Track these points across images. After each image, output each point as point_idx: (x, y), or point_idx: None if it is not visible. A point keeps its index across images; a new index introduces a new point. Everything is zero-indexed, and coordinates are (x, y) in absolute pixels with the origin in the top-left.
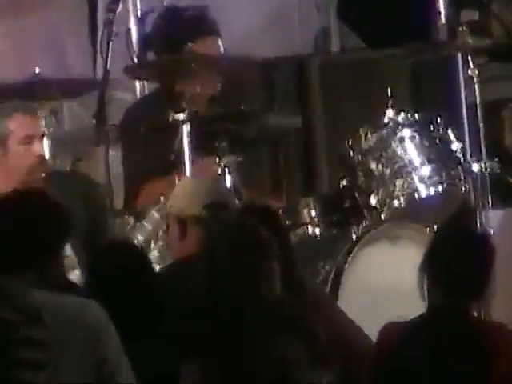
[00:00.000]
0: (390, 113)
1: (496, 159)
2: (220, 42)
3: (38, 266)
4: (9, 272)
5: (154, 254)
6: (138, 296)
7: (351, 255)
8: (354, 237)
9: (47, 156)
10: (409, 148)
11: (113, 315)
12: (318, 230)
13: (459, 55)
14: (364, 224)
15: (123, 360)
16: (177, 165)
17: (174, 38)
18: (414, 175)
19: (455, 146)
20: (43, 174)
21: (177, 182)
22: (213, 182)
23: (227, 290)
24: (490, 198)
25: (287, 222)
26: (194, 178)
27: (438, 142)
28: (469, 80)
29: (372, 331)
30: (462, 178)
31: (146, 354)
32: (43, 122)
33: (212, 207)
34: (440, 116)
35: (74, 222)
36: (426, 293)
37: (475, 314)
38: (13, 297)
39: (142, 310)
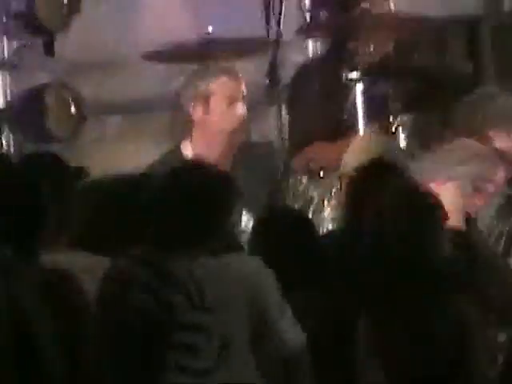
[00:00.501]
0: None
1: None
2: (391, 1)
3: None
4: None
5: (326, 213)
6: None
7: None
8: None
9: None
10: None
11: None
12: None
13: None
14: None
15: (285, 307)
16: (349, 124)
17: None
18: None
19: None
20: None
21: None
22: (387, 141)
23: (403, 250)
24: None
25: None
26: (369, 137)
27: None
28: None
29: None
30: None
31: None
32: (244, 85)
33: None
34: None
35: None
36: None
37: None
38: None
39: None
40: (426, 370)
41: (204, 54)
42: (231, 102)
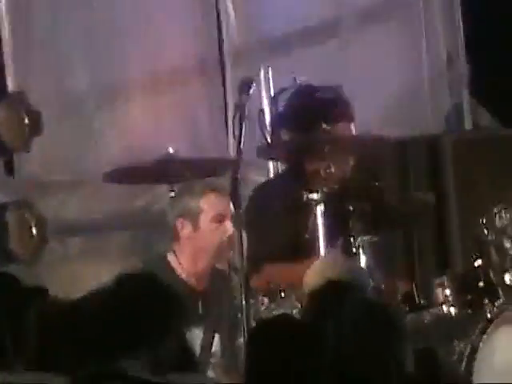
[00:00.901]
0: None
1: None
2: (352, 127)
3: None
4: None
5: None
6: None
7: (486, 334)
8: (488, 316)
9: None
10: None
11: None
12: (452, 310)
13: None
14: (499, 303)
15: None
16: (311, 244)
17: (308, 118)
18: None
19: None
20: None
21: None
22: (348, 262)
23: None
24: None
25: (421, 302)
26: (329, 258)
27: None
28: None
29: None
30: None
31: None
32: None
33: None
34: None
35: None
36: None
37: None
38: None
39: None
40: None
41: (164, 174)
42: (220, 218)
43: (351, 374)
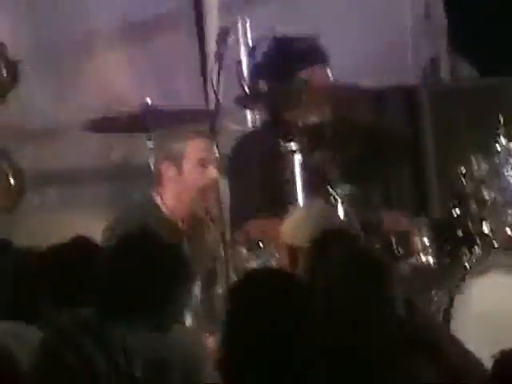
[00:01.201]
0: (502, 141)
1: None
2: (328, 71)
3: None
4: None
5: None
6: None
7: (464, 283)
8: (467, 265)
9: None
10: None
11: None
12: (430, 259)
13: None
14: (476, 252)
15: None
16: (289, 194)
17: (285, 67)
18: None
19: None
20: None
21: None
22: (325, 211)
23: (351, 315)
24: None
25: (399, 250)
26: (307, 208)
27: None
28: None
29: (485, 359)
30: None
31: None
32: (216, 149)
33: (323, 236)
34: None
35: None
36: None
37: None
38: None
39: None
40: None
41: (141, 124)
42: (204, 163)
43: (343, 327)
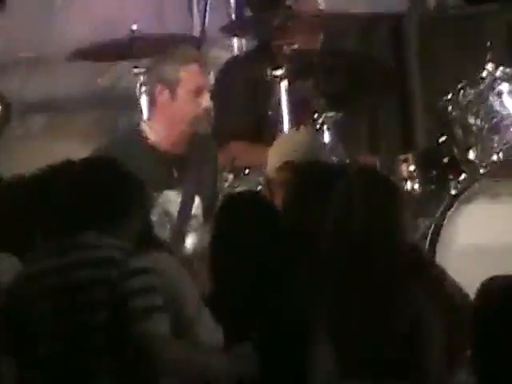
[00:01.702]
0: (488, 67)
1: None
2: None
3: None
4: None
5: None
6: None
7: (450, 211)
8: (452, 192)
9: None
10: (507, 102)
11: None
12: (416, 186)
13: None
14: (462, 179)
15: (203, 314)
16: (275, 120)
17: None
18: (511, 130)
19: None
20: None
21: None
22: (309, 139)
23: (369, 233)
24: None
25: None
26: (290, 135)
27: None
28: None
29: (470, 286)
30: None
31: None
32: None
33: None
34: None
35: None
36: None
37: None
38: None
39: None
40: (380, 354)
41: (128, 51)
42: (198, 91)
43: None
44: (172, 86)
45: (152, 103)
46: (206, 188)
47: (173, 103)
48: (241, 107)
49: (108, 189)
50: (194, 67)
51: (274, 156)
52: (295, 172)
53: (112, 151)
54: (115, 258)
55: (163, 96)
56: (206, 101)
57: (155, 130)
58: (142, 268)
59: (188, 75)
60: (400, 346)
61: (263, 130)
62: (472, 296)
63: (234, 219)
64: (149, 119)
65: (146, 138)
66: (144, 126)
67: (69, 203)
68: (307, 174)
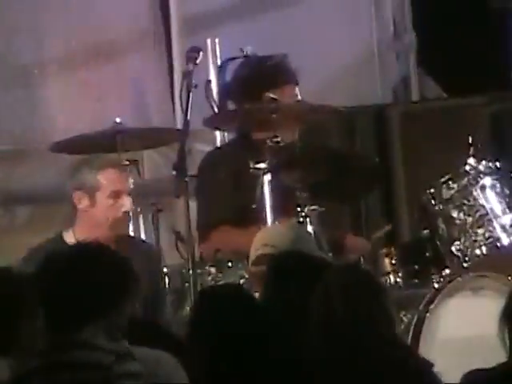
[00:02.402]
0: (471, 161)
1: None
2: (297, 90)
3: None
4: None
5: None
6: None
7: (433, 305)
8: (435, 286)
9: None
10: (490, 196)
11: None
12: (399, 279)
13: None
14: (446, 273)
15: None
16: (258, 214)
17: (254, 87)
18: (495, 224)
19: None
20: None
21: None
22: (290, 231)
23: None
24: None
25: None
26: (268, 229)
27: None
28: None
29: (453, 380)
30: None
31: None
32: (131, 179)
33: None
34: None
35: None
36: (507, 342)
37: None
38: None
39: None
40: None
41: (111, 144)
42: (117, 195)
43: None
44: (91, 192)
45: (73, 209)
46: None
47: (92, 209)
48: (224, 198)
49: (101, 279)
50: (111, 172)
51: (253, 248)
52: (268, 264)
53: (35, 258)
54: (103, 363)
55: (83, 202)
56: (126, 203)
57: (76, 236)
58: (130, 373)
59: (106, 180)
60: None
61: (247, 222)
62: None
63: (212, 310)
64: (71, 226)
65: (67, 245)
66: (66, 233)
67: (58, 296)
68: (280, 265)
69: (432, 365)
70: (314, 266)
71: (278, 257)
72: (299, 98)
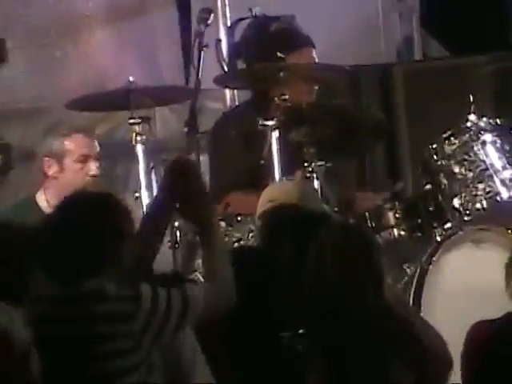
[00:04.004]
0: (472, 118)
1: None
2: (314, 53)
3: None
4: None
5: None
6: None
7: (435, 257)
8: (438, 239)
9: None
10: (490, 152)
11: None
12: (403, 233)
13: None
14: (447, 226)
15: (198, 357)
16: (266, 169)
17: (265, 47)
18: (495, 178)
19: None
20: None
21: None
22: (296, 187)
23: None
24: None
25: (372, 225)
26: (278, 184)
27: None
28: None
29: (455, 332)
30: None
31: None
32: (97, 144)
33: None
34: None
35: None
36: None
37: None
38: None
39: None
40: None
41: (125, 102)
42: (85, 160)
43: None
44: (59, 158)
45: (44, 175)
46: None
47: (61, 174)
48: (235, 158)
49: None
50: (78, 137)
51: (259, 205)
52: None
53: (6, 216)
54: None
55: (52, 168)
56: (93, 168)
57: (47, 201)
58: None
59: (74, 145)
60: None
61: (256, 179)
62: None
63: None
64: (42, 190)
65: (39, 208)
66: (38, 196)
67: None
68: (282, 217)
69: (413, 326)
70: (313, 220)
71: (279, 211)
72: (316, 60)
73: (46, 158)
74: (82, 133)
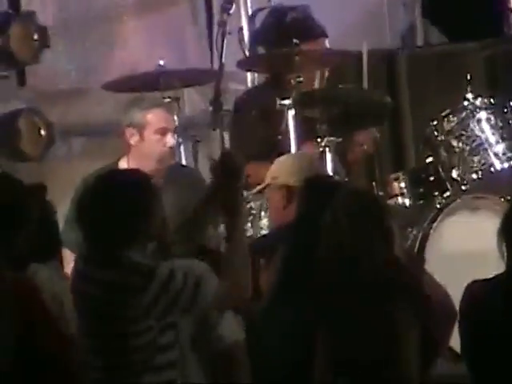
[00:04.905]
0: (469, 97)
1: None
2: (327, 42)
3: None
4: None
5: (263, 222)
6: None
7: (436, 222)
8: (438, 206)
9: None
10: (485, 128)
11: None
12: (407, 201)
13: None
14: (447, 195)
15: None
16: (283, 144)
17: (282, 35)
18: (489, 152)
19: None
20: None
21: None
22: (313, 157)
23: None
24: None
25: (380, 193)
26: (296, 153)
27: (510, 122)
28: None
29: (453, 290)
30: None
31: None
32: (175, 118)
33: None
34: None
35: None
36: (505, 254)
37: None
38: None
39: None
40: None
41: (155, 83)
42: (163, 132)
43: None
44: (140, 128)
45: (126, 144)
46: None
47: (142, 143)
48: (255, 133)
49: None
50: (158, 111)
51: (282, 169)
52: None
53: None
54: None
55: (133, 137)
56: (171, 140)
57: (130, 166)
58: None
59: (153, 118)
60: (381, 347)
61: (274, 152)
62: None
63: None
64: (125, 157)
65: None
66: (122, 163)
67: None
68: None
69: (421, 281)
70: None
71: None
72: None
73: (129, 128)
74: (162, 108)
